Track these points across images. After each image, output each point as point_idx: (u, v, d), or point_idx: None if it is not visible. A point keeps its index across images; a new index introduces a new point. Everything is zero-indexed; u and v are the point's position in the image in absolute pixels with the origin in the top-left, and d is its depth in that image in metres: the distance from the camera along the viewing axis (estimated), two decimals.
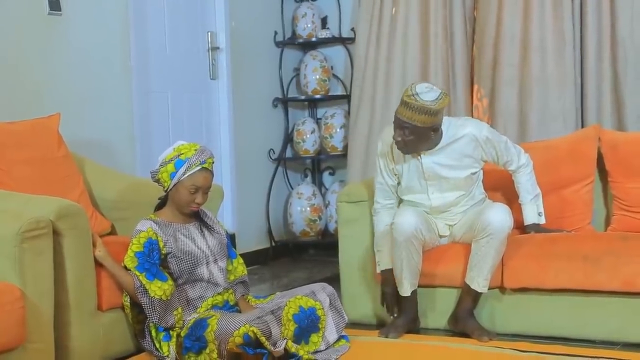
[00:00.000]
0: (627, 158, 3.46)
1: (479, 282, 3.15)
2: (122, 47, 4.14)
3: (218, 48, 4.87)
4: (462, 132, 3.22)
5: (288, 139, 5.39)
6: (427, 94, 3.07)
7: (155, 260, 2.91)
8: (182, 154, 2.96)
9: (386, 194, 3.35)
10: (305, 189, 5.31)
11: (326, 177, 5.55)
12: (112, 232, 3.38)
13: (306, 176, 5.54)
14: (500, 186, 3.54)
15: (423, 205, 3.30)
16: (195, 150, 2.98)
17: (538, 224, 3.38)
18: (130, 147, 4.19)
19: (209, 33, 4.83)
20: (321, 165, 5.54)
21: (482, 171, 3.36)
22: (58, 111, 3.44)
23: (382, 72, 4.85)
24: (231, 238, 3.49)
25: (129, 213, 3.36)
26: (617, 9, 4.31)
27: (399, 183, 3.34)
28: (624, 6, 4.29)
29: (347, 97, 5.34)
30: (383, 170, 3.34)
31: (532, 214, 3.37)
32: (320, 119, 5.41)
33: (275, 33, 5.31)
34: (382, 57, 4.86)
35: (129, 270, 2.89)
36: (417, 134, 3.10)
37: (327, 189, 5.44)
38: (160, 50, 4.51)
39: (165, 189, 3.01)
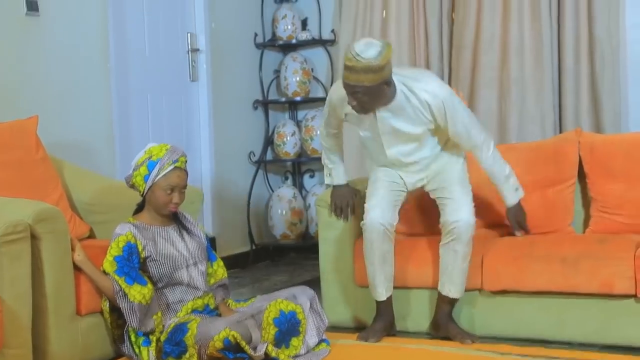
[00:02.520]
0: (605, 160, 3.49)
1: (450, 289, 3.16)
2: (101, 48, 4.12)
3: (198, 50, 4.85)
4: (418, 95, 3.09)
5: (268, 141, 5.38)
6: (368, 51, 2.92)
7: (135, 264, 2.89)
8: (154, 155, 2.95)
9: (332, 126, 3.36)
10: (286, 191, 5.30)
11: (307, 180, 5.54)
12: (91, 235, 3.36)
13: (287, 179, 5.54)
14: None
15: (379, 156, 3.27)
16: (166, 150, 2.97)
17: (519, 206, 3.30)
18: (110, 149, 4.16)
19: (189, 34, 4.82)
20: (302, 168, 5.54)
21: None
22: (36, 113, 3.41)
23: None
24: (211, 241, 3.48)
25: (108, 216, 3.34)
26: (594, 10, 4.35)
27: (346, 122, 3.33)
28: (601, 7, 4.33)
29: None
30: (331, 114, 3.31)
31: (511, 193, 3.27)
32: (301, 121, 5.41)
33: (256, 35, 5.30)
34: None
35: (108, 274, 2.86)
36: (370, 93, 2.98)
37: (307, 192, 5.44)
38: (139, 51, 4.48)
39: (142, 192, 2.99)
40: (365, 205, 3.20)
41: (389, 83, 3.03)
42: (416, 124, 3.13)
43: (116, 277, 2.84)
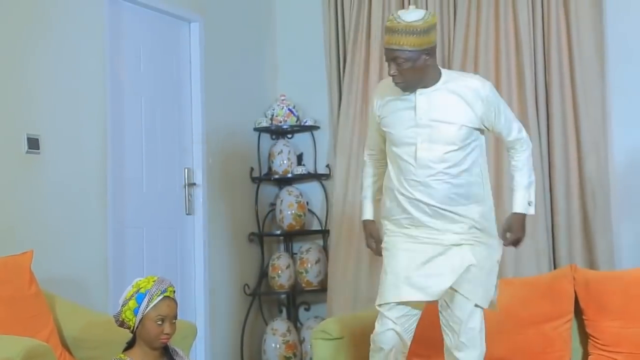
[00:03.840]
0: (600, 296, 3.49)
1: None
2: (99, 185, 4.17)
3: (194, 184, 4.92)
4: (464, 81, 3.02)
5: (263, 273, 5.37)
6: (411, 14, 2.85)
7: None
8: (141, 287, 2.94)
9: (373, 145, 3.26)
10: (280, 324, 5.24)
11: (302, 313, 5.49)
12: None
13: (281, 311, 5.48)
14: None
15: (408, 167, 3.01)
16: (154, 281, 2.96)
17: (523, 221, 3.14)
18: (103, 284, 4.14)
19: (186, 169, 4.90)
20: (297, 300, 5.50)
21: (481, 148, 3.08)
22: (31, 248, 3.43)
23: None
24: None
25: (98, 352, 3.29)
26: (583, 151, 4.43)
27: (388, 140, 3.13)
28: (590, 148, 4.41)
29: (322, 232, 5.37)
30: (372, 125, 3.21)
31: (523, 201, 3.11)
32: (296, 253, 5.41)
33: (252, 169, 5.40)
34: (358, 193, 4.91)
35: None
36: (411, 60, 2.84)
37: (302, 325, 5.37)
38: (137, 186, 4.55)
39: (132, 328, 2.96)
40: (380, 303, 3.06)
41: (431, 54, 2.91)
42: (457, 116, 2.97)
43: None
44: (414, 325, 3.04)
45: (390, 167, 3.10)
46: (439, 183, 2.98)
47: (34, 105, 3.85)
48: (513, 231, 3.13)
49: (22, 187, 3.77)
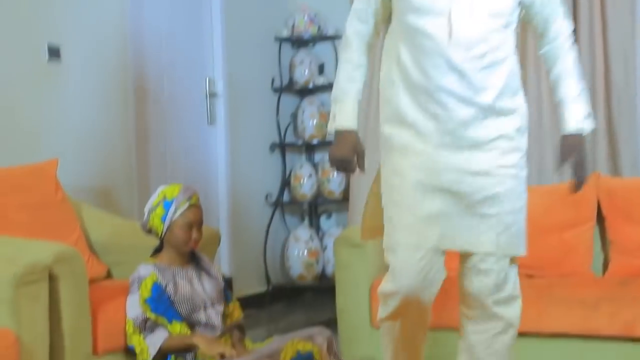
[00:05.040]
0: (623, 203, 3.48)
1: None
2: (120, 93, 4.18)
3: (216, 94, 4.91)
4: None
5: (285, 183, 5.41)
6: None
7: (166, 303, 2.90)
8: (168, 195, 2.99)
9: (365, 15, 2.29)
10: (303, 232, 5.30)
11: (323, 221, 5.55)
12: (109, 276, 3.37)
13: (303, 220, 5.55)
14: None
15: (435, 46, 2.15)
16: (180, 189, 3.01)
17: (582, 135, 2.29)
18: (128, 192, 4.20)
19: (207, 79, 4.88)
20: (318, 210, 5.55)
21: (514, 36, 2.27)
22: (56, 156, 3.46)
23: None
24: (228, 282, 3.48)
25: (125, 257, 3.35)
26: (611, 56, 4.36)
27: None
28: (618, 52, 4.34)
29: None
30: None
31: (578, 114, 2.28)
32: (318, 163, 5.43)
33: (273, 79, 5.36)
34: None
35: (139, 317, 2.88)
36: None
37: (324, 233, 5.44)
38: (158, 95, 4.54)
39: (160, 235, 3.01)
40: (389, 244, 2.24)
41: None
42: None
43: (153, 318, 2.87)
44: None
45: (400, 48, 2.21)
46: (480, 72, 2.16)
47: (55, 14, 3.83)
48: (576, 159, 2.28)
49: (45, 96, 3.78)
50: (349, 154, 2.25)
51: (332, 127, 2.29)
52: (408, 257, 2.19)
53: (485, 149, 2.20)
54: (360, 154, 2.28)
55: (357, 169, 2.31)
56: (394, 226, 2.22)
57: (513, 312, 2.38)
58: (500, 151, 2.21)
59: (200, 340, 2.85)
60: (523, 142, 2.28)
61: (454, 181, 2.18)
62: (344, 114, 2.27)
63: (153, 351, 2.83)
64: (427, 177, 2.18)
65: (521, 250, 2.31)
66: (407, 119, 2.20)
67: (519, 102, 2.27)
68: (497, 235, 2.21)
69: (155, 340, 2.84)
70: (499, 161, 2.21)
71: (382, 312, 2.32)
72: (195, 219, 3.00)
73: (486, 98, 2.17)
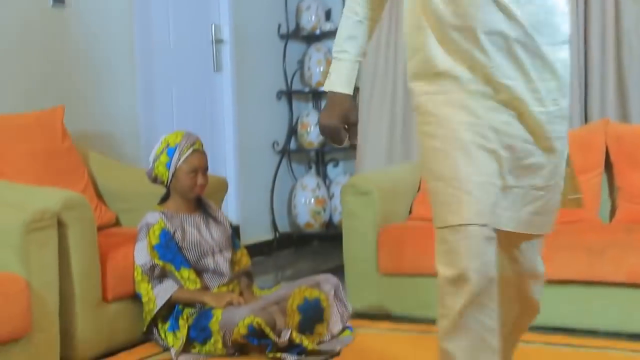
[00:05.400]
0: (632, 149, 3.47)
1: None
2: (126, 40, 4.14)
3: (222, 40, 4.87)
4: None
5: (292, 131, 5.39)
6: None
7: (174, 250, 2.92)
8: (170, 142, 3.00)
9: None
10: (310, 180, 5.31)
11: (330, 169, 5.55)
12: (117, 223, 3.39)
13: (310, 168, 5.55)
14: None
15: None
16: (182, 135, 3.02)
17: None
18: (135, 139, 4.19)
19: (213, 25, 4.83)
20: (325, 158, 5.54)
21: None
22: (62, 103, 3.45)
23: (394, 62, 4.78)
24: (235, 229, 3.50)
25: (133, 204, 3.37)
26: (621, 2, 4.29)
27: None
28: None
29: None
30: None
31: None
32: None
33: (279, 26, 5.30)
34: (393, 45, 4.78)
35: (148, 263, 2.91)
36: None
37: (331, 181, 5.45)
38: (164, 42, 4.50)
39: (165, 182, 3.02)
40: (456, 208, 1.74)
41: None
42: None
43: (161, 265, 2.90)
44: None
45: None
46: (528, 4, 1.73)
47: None
48: None
49: (50, 42, 3.75)
50: (337, 122, 1.90)
51: (326, 86, 1.96)
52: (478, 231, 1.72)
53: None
54: (351, 124, 1.93)
55: (347, 141, 1.94)
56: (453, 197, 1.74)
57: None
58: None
59: (209, 298, 2.86)
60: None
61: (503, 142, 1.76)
62: (339, 75, 1.92)
63: (160, 302, 2.86)
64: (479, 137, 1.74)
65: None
66: (442, 70, 1.77)
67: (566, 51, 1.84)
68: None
69: (163, 292, 2.87)
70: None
71: (456, 302, 1.74)
72: (200, 164, 3.00)
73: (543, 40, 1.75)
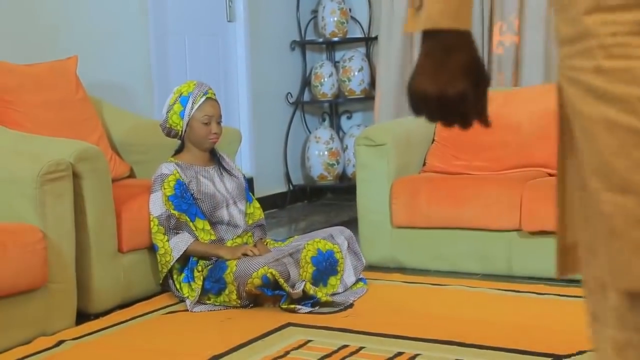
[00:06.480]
0: None
1: None
2: None
3: None
4: None
5: (306, 82, 5.36)
6: None
7: (189, 200, 2.94)
8: (183, 91, 2.99)
9: None
10: (323, 132, 5.29)
11: (344, 121, 5.52)
12: (131, 175, 3.40)
13: (324, 120, 5.52)
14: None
15: None
16: (194, 85, 3.01)
17: None
18: (148, 90, 4.18)
19: None
20: (339, 109, 5.51)
21: None
22: (75, 53, 3.43)
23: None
24: (249, 182, 3.50)
25: (147, 156, 3.37)
26: None
27: None
28: None
29: (365, 40, 5.28)
30: None
31: None
32: (338, 62, 5.36)
33: None
34: None
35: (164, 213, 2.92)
36: None
37: (345, 133, 5.43)
38: None
39: (180, 133, 3.02)
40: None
41: None
42: None
43: (176, 215, 2.91)
44: None
45: None
46: None
47: None
48: None
49: None
50: (463, 84, 1.00)
51: (414, 25, 1.05)
52: None
53: None
54: (484, 84, 1.03)
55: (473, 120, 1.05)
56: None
57: None
58: None
59: (224, 252, 2.88)
60: None
61: None
62: (448, 1, 1.02)
63: (177, 254, 2.88)
64: None
65: None
66: None
67: None
68: None
69: (179, 245, 2.88)
70: None
71: None
72: (214, 112, 3.00)
73: None
